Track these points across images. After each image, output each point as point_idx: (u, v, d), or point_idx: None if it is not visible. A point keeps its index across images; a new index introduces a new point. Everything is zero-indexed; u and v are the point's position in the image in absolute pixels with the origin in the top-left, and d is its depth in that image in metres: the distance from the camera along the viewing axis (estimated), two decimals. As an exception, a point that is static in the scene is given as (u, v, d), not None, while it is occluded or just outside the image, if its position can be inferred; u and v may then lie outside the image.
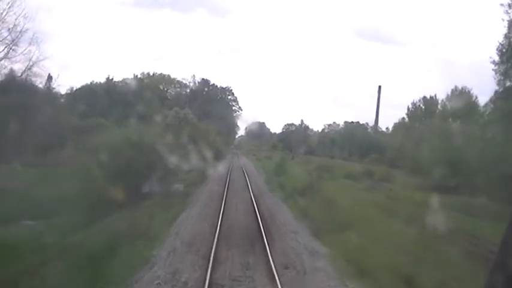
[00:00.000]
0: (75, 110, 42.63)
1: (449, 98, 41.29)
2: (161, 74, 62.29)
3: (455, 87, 43.10)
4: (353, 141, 73.50)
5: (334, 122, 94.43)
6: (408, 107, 52.01)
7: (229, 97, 71.53)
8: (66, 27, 79.58)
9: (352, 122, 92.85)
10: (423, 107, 47.41)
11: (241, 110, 72.23)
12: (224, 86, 71.65)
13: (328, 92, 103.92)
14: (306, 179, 30.50)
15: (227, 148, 71.81)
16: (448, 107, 40.62)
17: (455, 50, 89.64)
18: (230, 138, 77.91)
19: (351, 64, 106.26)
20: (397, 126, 57.76)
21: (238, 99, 72.62)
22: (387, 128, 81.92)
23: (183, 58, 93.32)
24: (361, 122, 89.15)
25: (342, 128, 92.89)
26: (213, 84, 69.47)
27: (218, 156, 44.25)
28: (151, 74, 60.23)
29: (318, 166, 41.06)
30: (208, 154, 37.24)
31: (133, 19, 79.14)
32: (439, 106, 46.25)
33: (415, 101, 51.08)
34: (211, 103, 62.84)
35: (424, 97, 49.49)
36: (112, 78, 50.65)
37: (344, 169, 38.87)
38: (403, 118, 56.74)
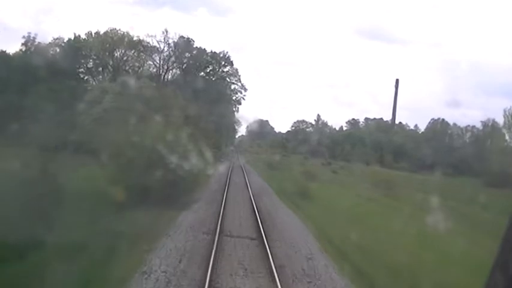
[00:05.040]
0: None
1: None
2: (114, 29, 43.41)
3: None
4: (383, 142, 58.17)
5: (353, 119, 78.69)
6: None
7: (225, 69, 48.70)
8: (67, 27, 76.32)
9: (375, 118, 78.68)
10: None
11: (245, 90, 51.94)
12: (218, 52, 47.90)
13: (330, 91, 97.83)
14: None
15: (225, 150, 54.82)
16: None
17: (458, 49, 79.80)
18: (229, 136, 61.09)
19: (353, 63, 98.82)
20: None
21: (239, 73, 49.74)
22: (416, 126, 69.52)
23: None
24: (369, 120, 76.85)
25: (365, 125, 77.37)
26: (200, 47, 46.58)
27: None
28: (101, 33, 42.50)
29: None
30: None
31: (133, 17, 68.53)
32: None
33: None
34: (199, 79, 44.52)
35: None
36: (34, 38, 34.47)
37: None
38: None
